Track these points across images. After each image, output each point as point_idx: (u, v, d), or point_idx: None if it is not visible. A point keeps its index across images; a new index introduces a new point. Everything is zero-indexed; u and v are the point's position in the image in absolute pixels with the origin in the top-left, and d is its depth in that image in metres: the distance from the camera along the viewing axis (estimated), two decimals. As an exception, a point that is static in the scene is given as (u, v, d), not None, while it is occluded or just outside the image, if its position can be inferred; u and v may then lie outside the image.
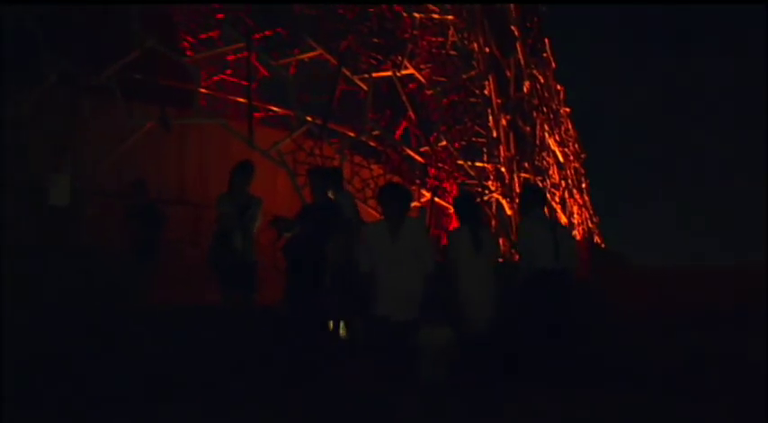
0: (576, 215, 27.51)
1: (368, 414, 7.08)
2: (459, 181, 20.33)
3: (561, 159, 26.94)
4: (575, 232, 27.12)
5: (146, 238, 12.72)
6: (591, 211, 30.09)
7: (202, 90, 17.60)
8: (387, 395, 7.44)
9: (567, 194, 27.29)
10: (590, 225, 29.14)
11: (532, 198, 10.23)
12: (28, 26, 13.82)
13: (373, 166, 18.17)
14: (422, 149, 19.59)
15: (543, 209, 10.18)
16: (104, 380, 7.76)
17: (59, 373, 7.89)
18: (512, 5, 23.75)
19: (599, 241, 29.18)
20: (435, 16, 20.49)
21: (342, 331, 10.83)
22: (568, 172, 27.55)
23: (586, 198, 29.47)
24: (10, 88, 13.30)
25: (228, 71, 19.62)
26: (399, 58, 19.12)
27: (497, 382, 8.19)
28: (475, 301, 8.96)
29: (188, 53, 18.84)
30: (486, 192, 20.36)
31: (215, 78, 19.36)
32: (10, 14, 13.74)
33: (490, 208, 20.50)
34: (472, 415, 7.17)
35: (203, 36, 20.01)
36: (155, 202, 13.19)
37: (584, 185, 29.86)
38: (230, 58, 19.37)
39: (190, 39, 19.95)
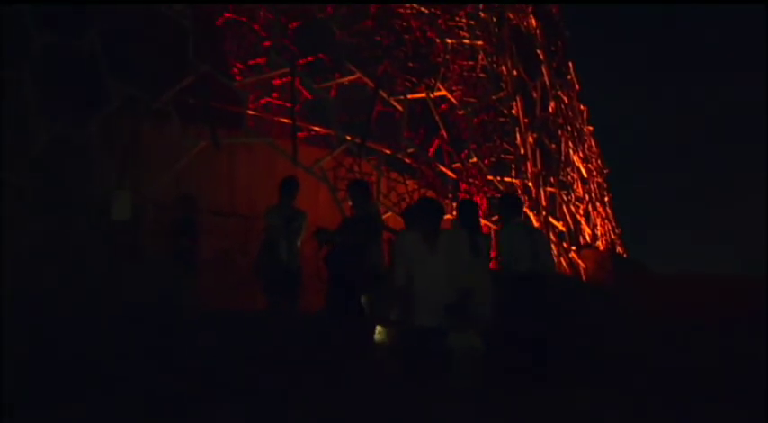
0: (599, 227, 27.22)
1: (403, 415, 7.09)
2: (488, 195, 20.27)
3: (585, 175, 26.71)
4: (598, 242, 26.88)
5: (184, 246, 12.85)
6: (613, 223, 29.75)
7: (250, 112, 17.61)
8: (421, 397, 7.46)
9: (590, 207, 27.04)
10: (612, 236, 28.81)
11: (512, 207, 10.48)
12: (96, 55, 13.98)
13: (408, 182, 18.24)
14: (454, 166, 19.60)
15: (521, 216, 10.57)
16: (165, 380, 7.87)
17: (123, 374, 8.00)
18: (537, 32, 23.71)
19: (621, 251, 28.80)
20: (466, 41, 20.52)
21: (378, 336, 10.85)
22: (592, 186, 27.29)
23: (609, 211, 29.16)
24: (78, 111, 13.49)
25: (274, 94, 19.72)
26: (432, 80, 19.24)
27: (525, 383, 8.18)
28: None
29: (237, 78, 18.97)
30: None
31: (262, 101, 19.48)
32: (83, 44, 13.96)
33: (517, 220, 20.38)
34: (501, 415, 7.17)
35: (251, 62, 20.16)
36: (192, 214, 13.30)
37: (606, 199, 29.53)
38: (276, 82, 19.47)
39: (239, 65, 20.11)
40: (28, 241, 12.28)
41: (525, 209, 20.40)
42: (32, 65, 13.49)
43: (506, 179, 20.82)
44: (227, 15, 20.44)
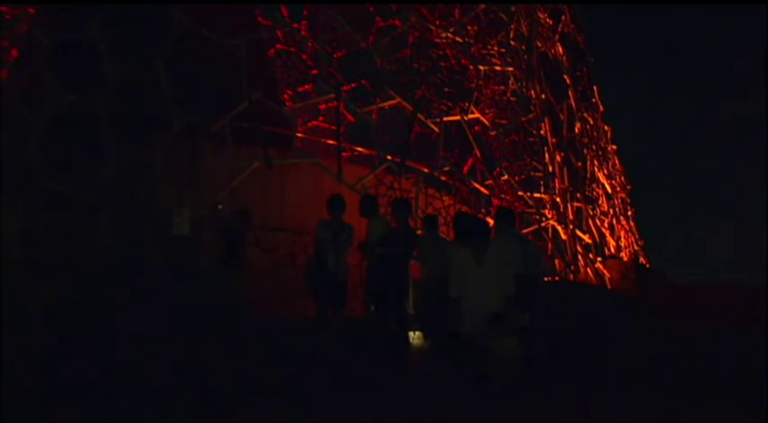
0: (623, 239, 26.99)
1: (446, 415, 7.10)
2: (519, 210, 20.20)
3: (609, 190, 26.53)
4: (622, 253, 26.66)
5: (230, 255, 12.95)
6: (636, 236, 29.50)
7: (299, 134, 17.81)
8: (465, 399, 7.47)
9: (614, 221, 26.85)
10: (636, 247, 28.55)
11: (506, 218, 10.58)
12: (161, 84, 14.15)
13: (445, 198, 18.20)
14: (487, 182, 19.53)
15: (515, 227, 10.74)
16: (223, 381, 7.96)
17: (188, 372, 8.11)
18: (564, 58, 23.67)
19: (644, 261, 28.55)
20: (498, 68, 20.53)
21: (415, 341, 10.86)
22: (616, 201, 27.07)
23: (632, 224, 28.91)
24: (144, 135, 13.67)
25: (321, 118, 19.89)
26: (467, 104, 19.21)
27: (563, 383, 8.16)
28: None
29: (287, 104, 19.17)
30: (544, 219, 20.22)
31: (309, 124, 19.65)
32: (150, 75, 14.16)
33: (547, 233, 20.34)
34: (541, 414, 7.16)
35: (300, 89, 20.37)
36: (238, 224, 13.40)
37: (629, 213, 29.28)
38: (322, 106, 19.62)
39: (289, 92, 20.34)
40: (99, 253, 12.49)
41: (552, 222, 20.47)
42: (105, 93, 13.76)
43: (536, 195, 20.72)
44: (278, 46, 20.68)
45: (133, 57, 14.35)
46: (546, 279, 18.98)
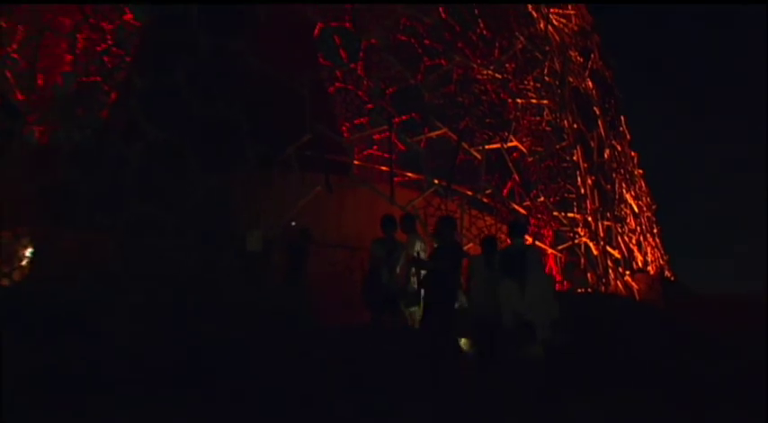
0: (649, 254, 26.68)
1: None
2: (554, 228, 20.21)
3: (636, 210, 26.24)
4: (649, 267, 26.37)
5: (295, 267, 13.14)
6: (662, 251, 29.11)
7: (356, 162, 17.90)
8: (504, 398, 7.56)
9: (641, 238, 26.58)
10: (661, 262, 28.18)
11: (516, 229, 10.98)
12: (238, 120, 14.43)
13: (487, 218, 18.29)
14: (524, 204, 19.58)
15: (523, 236, 11.25)
16: (293, 381, 8.13)
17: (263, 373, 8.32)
18: (593, 92, 23.60)
19: (669, 275, 28.17)
20: (533, 101, 20.54)
21: (464, 346, 10.91)
22: (642, 220, 26.76)
23: (658, 240, 28.53)
24: (224, 165, 13.94)
25: (375, 147, 20.14)
26: (506, 133, 19.25)
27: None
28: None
29: (345, 135, 19.43)
30: (577, 237, 20.13)
31: (365, 153, 19.90)
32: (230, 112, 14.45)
33: (580, 249, 20.24)
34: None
35: (357, 122, 20.68)
36: (307, 243, 13.58)
37: (655, 231, 28.91)
38: (376, 137, 19.87)
39: (347, 124, 20.62)
40: (183, 267, 12.76)
41: (585, 239, 20.37)
42: (190, 129, 14.09)
43: (569, 215, 20.63)
44: (338, 84, 21.00)
45: (213, 96, 14.66)
46: (580, 290, 18.97)
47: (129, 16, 20.92)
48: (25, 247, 14.87)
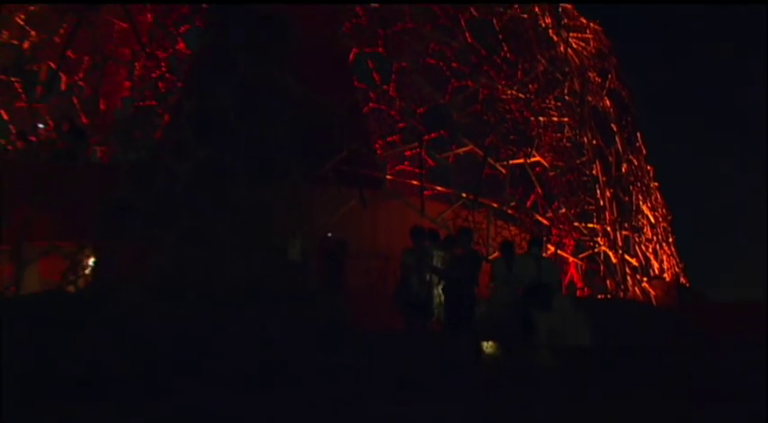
0: (665, 262, 26.31)
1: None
2: (575, 238, 19.99)
3: (652, 221, 25.89)
4: (665, 274, 25.95)
5: (333, 276, 13.09)
6: (677, 259, 28.66)
7: (388, 177, 17.99)
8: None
9: (657, 246, 26.21)
10: (677, 269, 27.74)
11: (532, 243, 11.64)
12: (281, 138, 14.51)
13: (511, 228, 18.10)
14: (547, 215, 19.41)
15: (539, 249, 11.70)
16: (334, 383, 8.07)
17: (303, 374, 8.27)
18: (611, 110, 23.38)
19: (684, 281, 27.71)
20: (555, 119, 20.41)
21: (487, 349, 10.78)
22: (658, 230, 26.39)
23: (673, 249, 28.10)
24: (266, 179, 14.02)
25: (406, 163, 20.09)
26: (529, 149, 19.21)
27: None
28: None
29: (379, 152, 19.40)
30: (597, 246, 19.91)
31: (397, 168, 19.85)
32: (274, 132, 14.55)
33: (599, 257, 20.01)
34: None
35: (389, 139, 20.65)
36: (343, 253, 13.55)
37: (670, 240, 28.49)
38: (407, 153, 19.84)
39: (380, 141, 20.59)
40: (229, 275, 12.80)
41: (604, 248, 20.13)
42: (235, 147, 14.18)
43: (589, 225, 20.43)
44: (371, 105, 21.04)
45: (256, 117, 14.76)
46: (600, 296, 18.75)
47: (181, 45, 21.22)
48: (88, 257, 15.03)
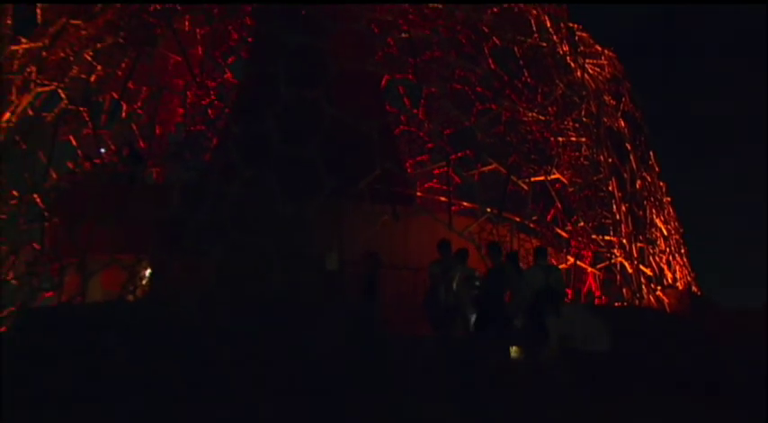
0: (678, 272, 25.68)
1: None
2: (593, 250, 19.58)
3: (665, 233, 25.30)
4: (678, 283, 25.33)
5: (368, 287, 12.95)
6: (689, 269, 27.95)
7: (418, 194, 17.88)
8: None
9: (670, 258, 25.62)
10: (689, 279, 27.06)
11: (539, 254, 11.49)
12: (316, 158, 14.50)
13: (533, 241, 17.85)
14: (567, 228, 19.05)
15: (546, 259, 11.44)
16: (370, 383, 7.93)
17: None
18: (625, 130, 22.98)
19: (696, 290, 27.04)
20: (573, 139, 20.09)
21: (514, 354, 10.58)
22: (671, 242, 25.78)
23: (685, 260, 27.41)
24: (304, 196, 14.02)
25: (435, 180, 19.91)
26: (549, 167, 18.88)
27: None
28: None
29: (409, 170, 19.27)
30: (613, 257, 19.51)
31: (426, 185, 19.69)
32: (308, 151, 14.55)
33: (616, 267, 19.60)
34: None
35: (419, 159, 20.53)
36: (377, 264, 13.41)
37: (682, 251, 27.82)
38: (436, 172, 19.68)
39: (410, 161, 20.47)
40: (271, 285, 12.77)
41: (620, 259, 19.73)
42: (276, 167, 14.22)
43: (606, 238, 20.02)
44: (402, 127, 20.99)
45: (296, 139, 14.78)
46: (617, 304, 18.34)
47: (228, 75, 21.48)
48: (145, 269, 15.14)
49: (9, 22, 19.05)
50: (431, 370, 9.10)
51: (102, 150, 18.57)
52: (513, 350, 10.79)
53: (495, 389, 8.02)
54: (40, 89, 17.99)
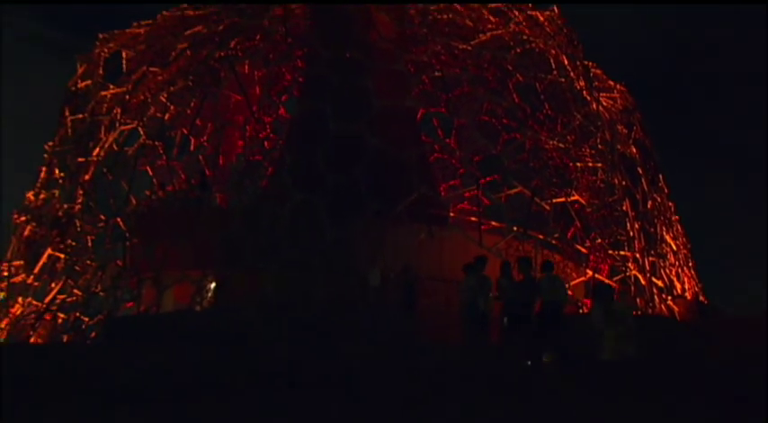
0: (686, 283, 24.90)
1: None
2: (609, 264, 19.00)
3: (674, 248, 24.57)
4: (686, 294, 24.45)
5: (407, 299, 12.68)
6: (696, 280, 27.05)
7: (451, 214, 17.64)
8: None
9: (680, 270, 24.82)
10: (696, 289, 26.17)
11: (547, 266, 10.73)
12: (360, 183, 14.40)
13: (555, 256, 17.31)
14: (585, 245, 18.56)
15: (552, 272, 10.67)
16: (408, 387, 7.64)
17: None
18: (637, 156, 22.42)
19: (703, 299, 26.11)
20: (590, 164, 19.63)
21: (546, 359, 10.18)
22: (680, 256, 25.07)
23: (693, 272, 26.57)
24: (348, 218, 13.91)
25: (466, 202, 19.66)
26: (569, 189, 18.49)
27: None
28: None
29: (443, 193, 19.03)
30: (628, 270, 18.91)
31: (458, 207, 19.42)
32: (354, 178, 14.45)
33: (630, 280, 18.98)
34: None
35: (451, 183, 20.28)
36: (415, 277, 13.18)
37: (690, 264, 26.97)
38: (467, 195, 19.45)
39: (444, 185, 20.21)
40: (321, 297, 12.60)
41: (634, 272, 19.08)
42: (325, 192, 14.15)
43: (621, 253, 19.44)
44: (436, 155, 20.83)
45: (342, 167, 14.73)
46: (634, 313, 17.84)
47: (282, 111, 21.65)
48: (210, 283, 15.14)
49: (101, 72, 19.61)
50: (466, 373, 8.73)
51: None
52: (546, 356, 10.42)
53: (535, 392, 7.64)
54: (123, 128, 18.33)
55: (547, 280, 10.37)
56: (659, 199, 24.80)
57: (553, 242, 17.69)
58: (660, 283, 20.53)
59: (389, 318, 12.39)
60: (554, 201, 18.01)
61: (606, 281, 17.19)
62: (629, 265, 19.34)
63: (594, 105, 20.44)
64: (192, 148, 20.17)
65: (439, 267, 15.67)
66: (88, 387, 7.13)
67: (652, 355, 9.83)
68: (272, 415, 6.42)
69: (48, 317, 16.15)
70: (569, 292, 13.46)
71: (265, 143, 20.33)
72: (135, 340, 11.05)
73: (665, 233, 24.26)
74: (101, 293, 15.78)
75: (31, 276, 17.49)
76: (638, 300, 18.59)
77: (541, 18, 20.29)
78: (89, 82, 19.84)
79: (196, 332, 11.11)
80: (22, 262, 18.20)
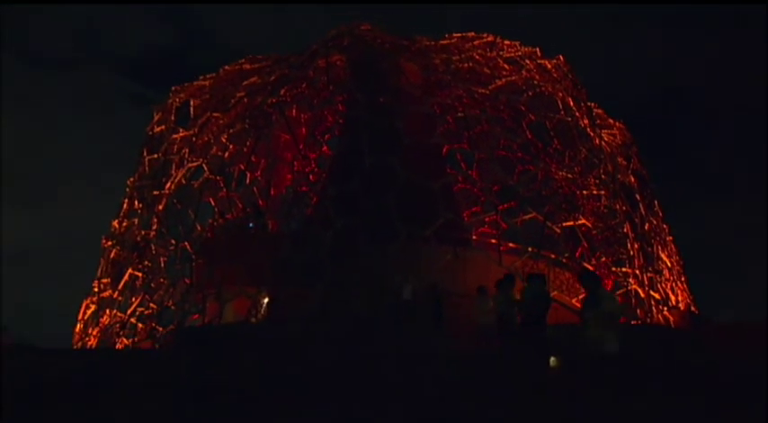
0: (680, 295, 23.94)
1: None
2: (612, 279, 18.21)
3: (669, 265, 23.68)
4: (680, 305, 23.36)
5: (436, 312, 12.20)
6: (688, 293, 25.96)
7: (474, 237, 17.16)
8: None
9: (674, 284, 23.82)
10: (689, 301, 25.09)
11: (536, 279, 9.89)
12: (389, 207, 14.12)
13: (566, 273, 16.76)
14: (591, 263, 17.87)
15: (543, 283, 9.82)
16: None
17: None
18: (636, 185, 21.66)
19: (694, 310, 25.01)
20: (594, 192, 18.99)
21: (553, 363, 9.50)
22: (674, 271, 24.17)
23: (685, 286, 25.51)
24: (381, 240, 13.61)
25: (486, 227, 19.20)
26: (576, 214, 17.86)
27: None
28: None
29: (466, 219, 18.66)
30: (629, 285, 18.10)
31: (480, 231, 19.01)
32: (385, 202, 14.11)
33: (631, 293, 18.16)
34: None
35: (474, 210, 19.88)
36: (441, 293, 12.68)
37: (683, 278, 25.93)
38: (487, 220, 19.00)
39: (467, 212, 19.77)
40: (360, 311, 12.22)
41: (634, 286, 18.22)
42: (362, 218, 13.85)
43: (623, 270, 18.76)
44: (460, 185, 20.55)
45: (377, 196, 14.50)
46: (633, 322, 16.97)
47: (325, 148, 21.63)
48: (264, 298, 15.01)
49: (173, 118, 19.92)
50: (489, 379, 8.18)
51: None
52: (553, 360, 9.74)
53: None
54: (190, 165, 18.46)
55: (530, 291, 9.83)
56: (655, 222, 23.93)
57: (563, 261, 17.11)
58: (657, 296, 19.78)
59: (423, 330, 11.87)
60: (564, 224, 17.53)
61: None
62: (630, 280, 18.65)
63: (597, 140, 19.99)
64: (248, 181, 20.19)
65: (463, 284, 15.20)
66: (164, 387, 7.12)
67: (652, 358, 9.15)
68: (317, 414, 6.11)
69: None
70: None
71: (310, 176, 20.29)
72: (201, 347, 10.98)
73: (660, 252, 23.33)
74: (172, 307, 15.90)
75: (116, 292, 17.75)
76: (638, 311, 17.80)
77: (549, 66, 20.02)
78: (163, 127, 20.20)
79: (252, 340, 10.89)
80: (108, 279, 18.51)
